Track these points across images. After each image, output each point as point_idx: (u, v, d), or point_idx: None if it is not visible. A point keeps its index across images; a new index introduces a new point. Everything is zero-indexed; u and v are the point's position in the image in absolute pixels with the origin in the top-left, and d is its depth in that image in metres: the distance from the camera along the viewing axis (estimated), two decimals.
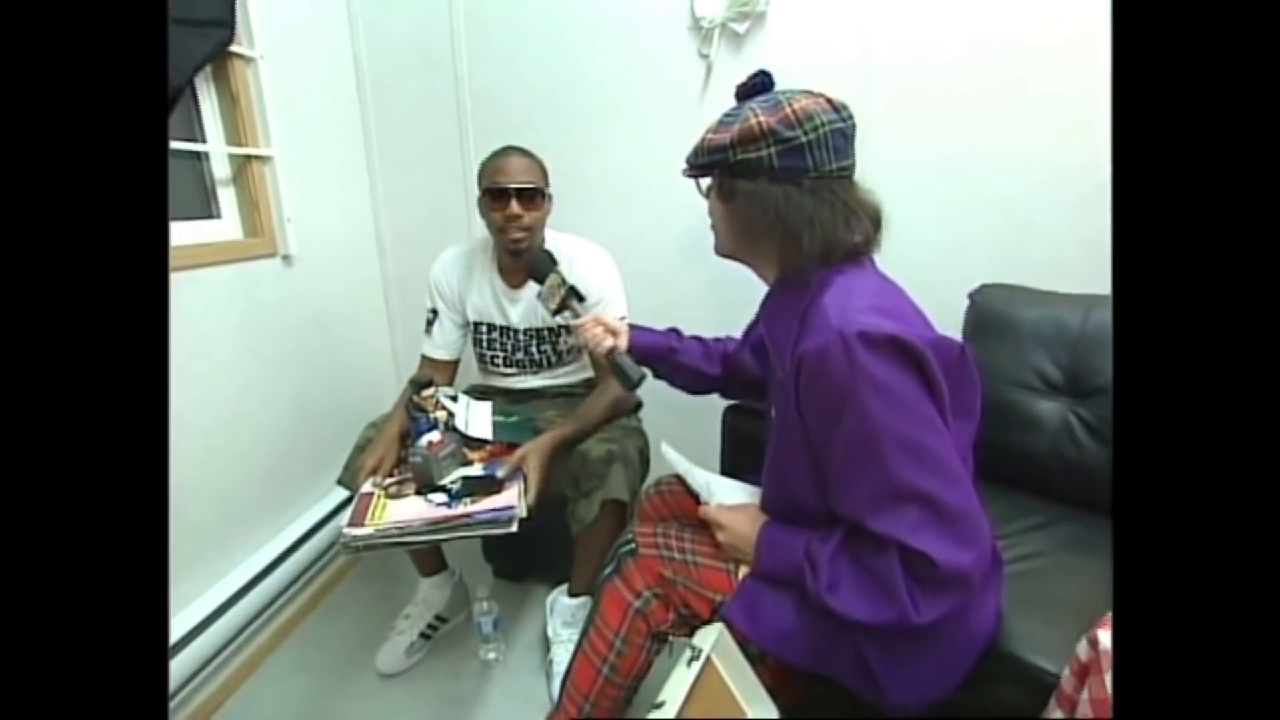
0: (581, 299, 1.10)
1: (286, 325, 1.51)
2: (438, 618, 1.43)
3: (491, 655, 1.37)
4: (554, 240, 1.34)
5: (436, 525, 1.01)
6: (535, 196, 1.25)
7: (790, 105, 0.75)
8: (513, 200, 1.22)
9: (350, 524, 1.01)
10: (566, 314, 1.09)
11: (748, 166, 0.76)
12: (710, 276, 1.66)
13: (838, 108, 0.77)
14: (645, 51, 1.54)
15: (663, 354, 1.10)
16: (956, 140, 1.40)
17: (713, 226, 0.88)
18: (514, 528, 1.01)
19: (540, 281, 1.11)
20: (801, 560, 0.76)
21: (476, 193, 1.28)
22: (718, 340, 1.16)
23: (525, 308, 1.37)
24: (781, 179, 0.75)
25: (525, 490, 1.09)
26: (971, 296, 1.32)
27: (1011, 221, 1.42)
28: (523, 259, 1.19)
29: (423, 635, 1.39)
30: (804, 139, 0.74)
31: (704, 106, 1.54)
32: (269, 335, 1.44)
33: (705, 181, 0.86)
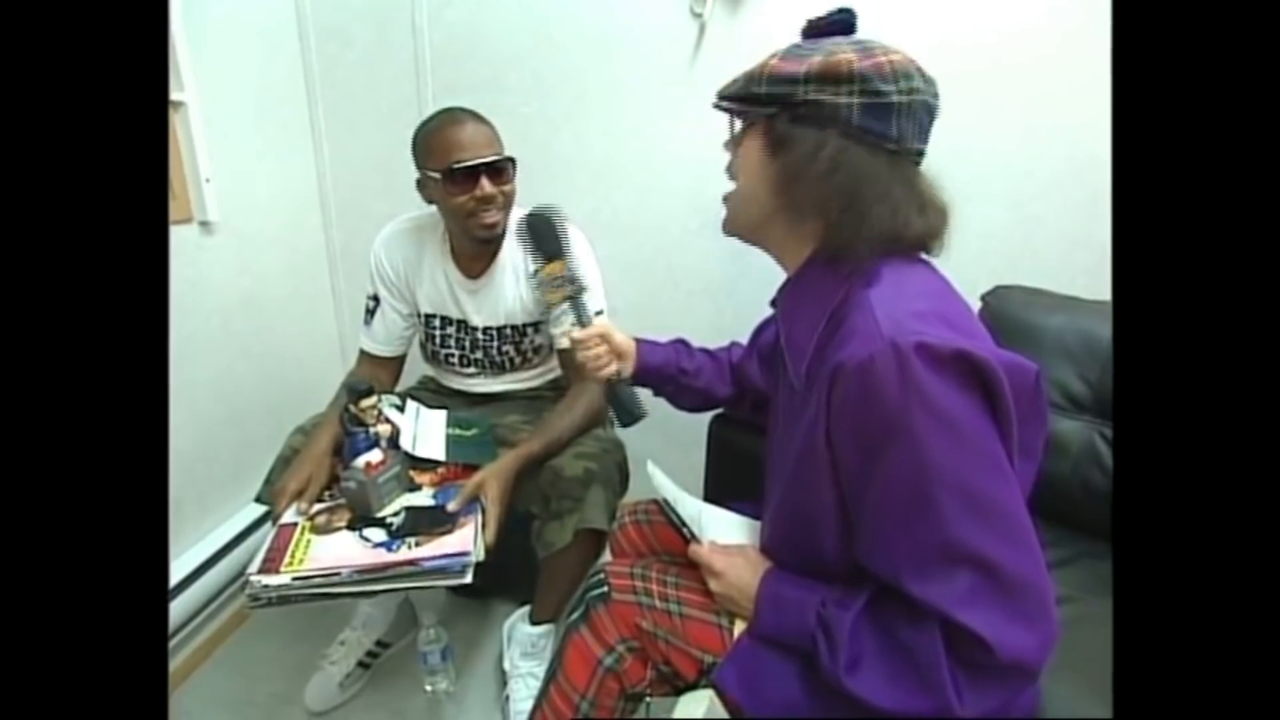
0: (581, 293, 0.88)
1: (207, 303, 1.30)
2: (379, 643, 1.26)
3: (441, 686, 1.21)
4: (516, 216, 1.13)
5: (372, 574, 0.83)
6: (507, 168, 1.06)
7: (887, 55, 0.59)
8: (483, 178, 1.02)
9: (262, 568, 0.83)
10: (562, 311, 0.87)
11: (819, 110, 0.59)
12: (700, 267, 1.50)
13: (929, 79, 0.61)
14: (631, 8, 1.36)
15: (672, 376, 0.94)
16: (970, 128, 1.28)
17: (726, 197, 0.70)
18: (468, 578, 0.83)
19: (545, 259, 0.86)
20: (812, 625, 0.62)
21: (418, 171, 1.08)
22: (722, 350, 1.00)
23: (486, 301, 1.17)
24: (858, 139, 0.59)
25: (483, 525, 0.91)
26: (984, 298, 1.19)
27: (1022, 218, 1.34)
28: (521, 226, 0.89)
29: (361, 664, 1.22)
30: (896, 99, 0.58)
31: (695, 72, 1.37)
32: (184, 314, 1.23)
33: (737, 125, 0.67)
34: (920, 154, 0.63)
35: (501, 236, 1.13)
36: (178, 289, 1.21)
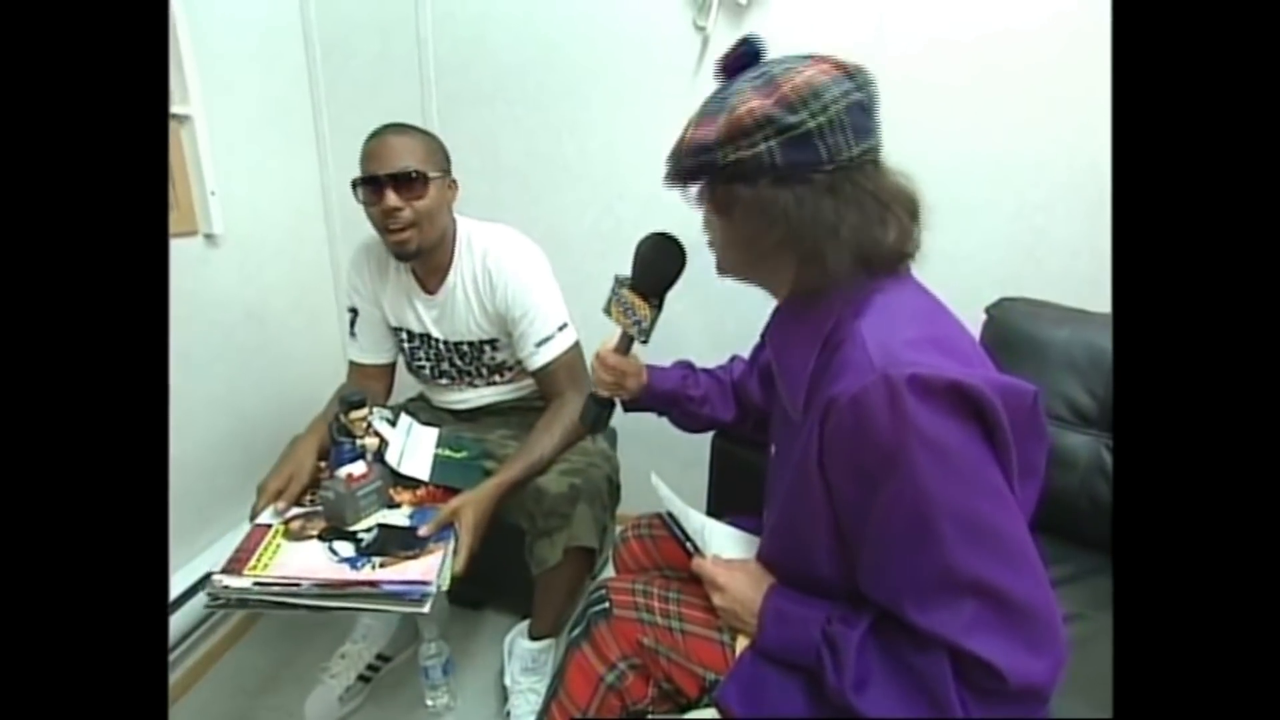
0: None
1: (210, 316, 1.30)
2: (380, 656, 1.25)
3: (442, 700, 1.20)
4: (466, 230, 1.14)
5: (330, 590, 0.82)
6: (416, 183, 1.02)
7: (789, 81, 0.57)
8: (387, 190, 1.00)
9: (226, 567, 0.82)
10: (634, 322, 0.81)
11: (743, 168, 0.58)
12: (701, 278, 1.45)
13: (851, 73, 0.58)
14: (634, 20, 1.37)
15: (678, 402, 0.94)
16: (974, 136, 1.29)
17: (710, 243, 0.71)
18: (425, 608, 0.81)
19: (641, 291, 0.82)
20: (817, 641, 0.61)
21: None
22: (724, 369, 1.00)
23: (444, 316, 1.17)
24: (789, 179, 0.57)
25: (455, 551, 0.90)
26: (989, 311, 1.19)
27: (1027, 229, 1.33)
28: (651, 240, 0.84)
29: (361, 678, 1.21)
30: (812, 124, 0.55)
31: (698, 84, 1.37)
32: (188, 327, 1.23)
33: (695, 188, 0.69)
34: (868, 152, 0.59)
35: (442, 253, 1.12)
36: (181, 301, 1.21)
